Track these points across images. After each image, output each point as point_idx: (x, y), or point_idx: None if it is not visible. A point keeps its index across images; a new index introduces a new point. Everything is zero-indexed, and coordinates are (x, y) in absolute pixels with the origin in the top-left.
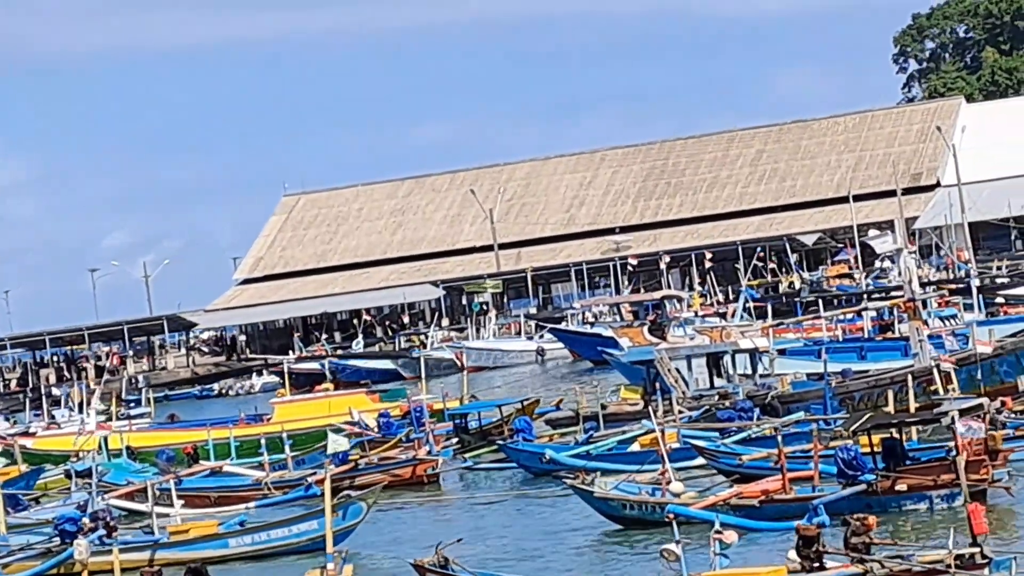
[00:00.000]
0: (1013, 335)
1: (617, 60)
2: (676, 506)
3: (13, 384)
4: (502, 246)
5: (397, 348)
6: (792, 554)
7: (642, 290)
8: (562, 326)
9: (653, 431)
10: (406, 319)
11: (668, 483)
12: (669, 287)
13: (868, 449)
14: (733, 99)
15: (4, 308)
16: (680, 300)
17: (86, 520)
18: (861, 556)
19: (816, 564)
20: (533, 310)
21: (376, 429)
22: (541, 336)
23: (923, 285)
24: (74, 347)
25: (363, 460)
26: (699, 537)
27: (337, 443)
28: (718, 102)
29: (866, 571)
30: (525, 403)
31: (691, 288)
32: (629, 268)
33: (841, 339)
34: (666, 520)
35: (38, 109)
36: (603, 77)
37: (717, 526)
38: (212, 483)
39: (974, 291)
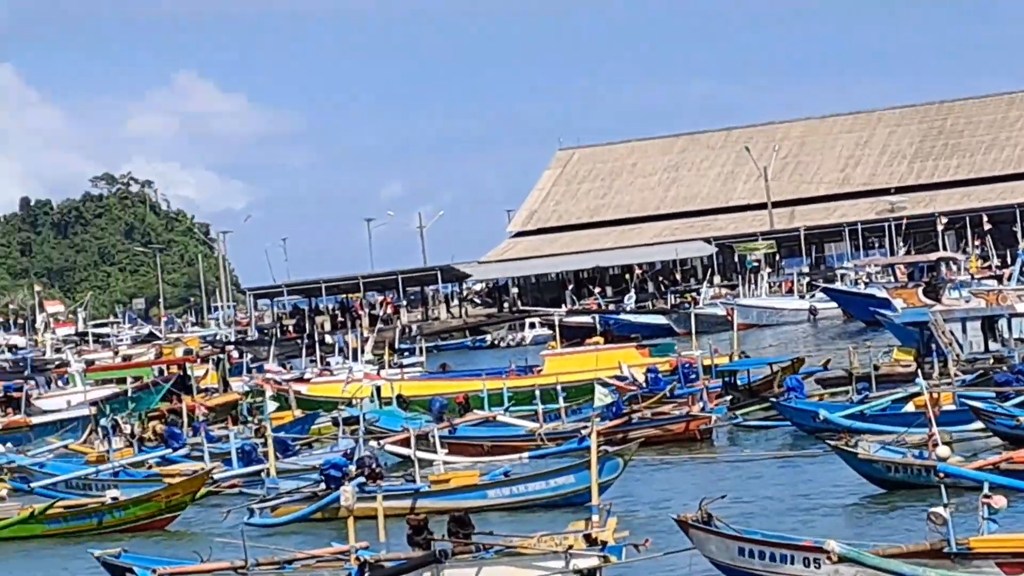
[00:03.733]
0: None
1: (894, 20)
2: (947, 466)
3: (290, 330)
4: (775, 204)
5: (669, 304)
6: None
7: (915, 252)
8: (835, 286)
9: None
10: (678, 275)
11: (935, 446)
12: (945, 249)
13: None
14: (1013, 61)
15: (281, 256)
16: (956, 263)
17: (351, 467)
18: None
19: None
20: (806, 269)
21: (644, 383)
22: (813, 295)
23: None
24: (349, 295)
25: (636, 414)
26: (965, 503)
27: (604, 396)
28: (997, 63)
29: None
30: (794, 361)
31: (967, 251)
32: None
33: None
34: (935, 480)
35: (315, 61)
36: (878, 36)
37: (987, 490)
38: (486, 432)
39: None
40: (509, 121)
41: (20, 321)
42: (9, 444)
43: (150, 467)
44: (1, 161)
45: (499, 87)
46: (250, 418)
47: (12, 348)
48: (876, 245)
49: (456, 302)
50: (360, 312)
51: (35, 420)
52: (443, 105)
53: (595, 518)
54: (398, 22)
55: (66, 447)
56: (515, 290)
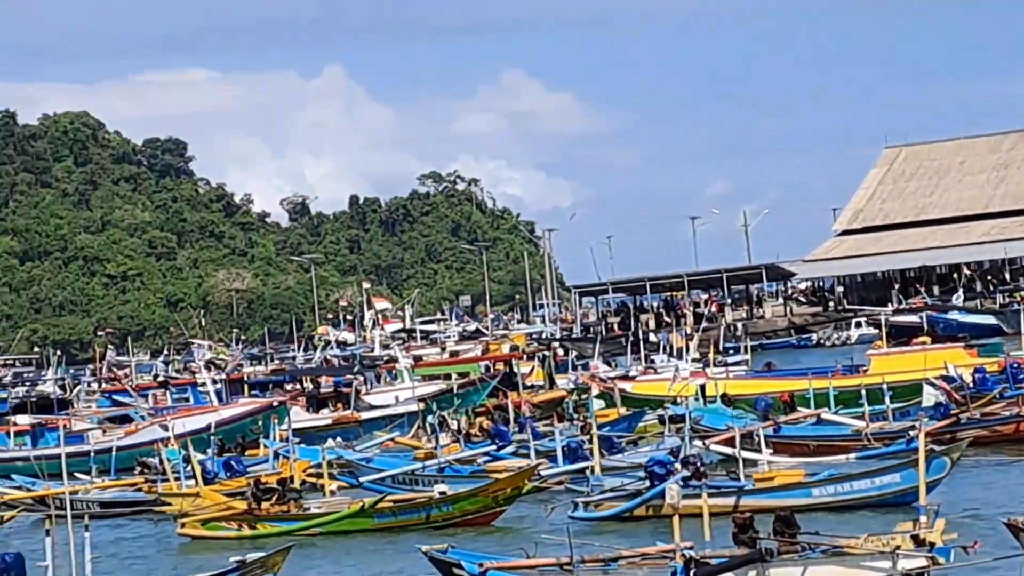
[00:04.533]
0: None
1: None
2: None
3: (615, 328)
4: None
5: (997, 304)
6: None
7: None
8: None
9: None
10: (1007, 274)
11: None
12: None
13: None
14: None
15: (606, 253)
16: None
17: (677, 464)
18: None
19: None
20: None
21: (971, 383)
22: None
23: None
24: (673, 293)
25: (964, 415)
26: None
27: (931, 396)
28: None
29: None
30: None
31: None
32: None
33: None
34: None
35: (642, 59)
36: None
37: None
38: (811, 432)
39: None
40: (835, 119)
41: (349, 318)
42: (338, 439)
43: (478, 463)
44: (332, 159)
45: (826, 85)
46: (576, 415)
47: (342, 344)
48: None
49: (781, 301)
50: (685, 310)
51: (364, 415)
52: (769, 103)
53: (923, 519)
54: (726, 20)
55: (393, 442)
56: (840, 289)
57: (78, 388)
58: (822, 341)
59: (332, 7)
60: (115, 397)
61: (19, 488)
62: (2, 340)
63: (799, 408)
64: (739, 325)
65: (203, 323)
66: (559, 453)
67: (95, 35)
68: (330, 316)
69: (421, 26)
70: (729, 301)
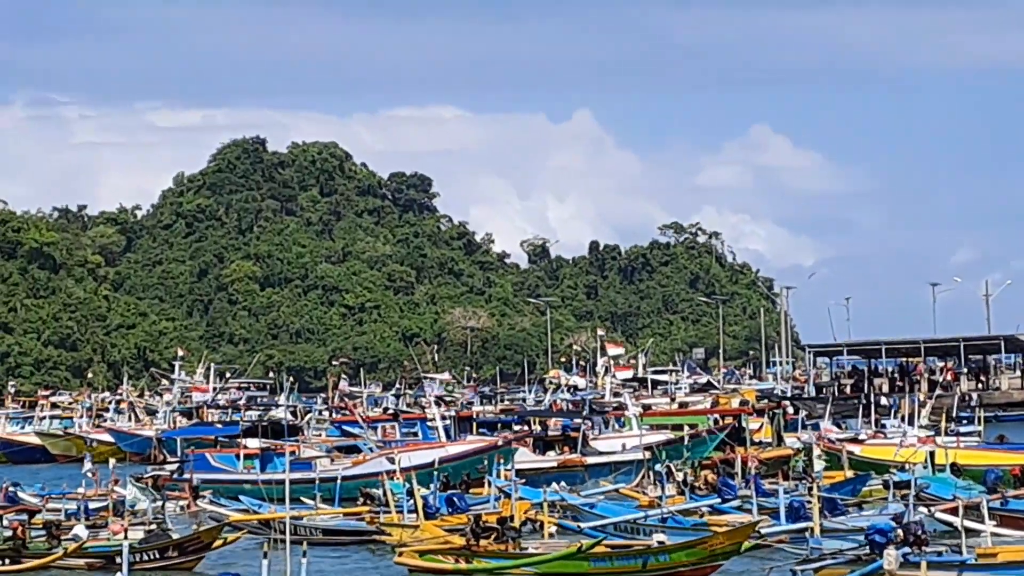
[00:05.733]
0: None
1: None
2: None
3: (847, 390)
4: None
5: None
6: None
7: None
8: None
9: None
10: None
11: None
12: None
13: None
14: None
15: (844, 314)
16: None
17: (898, 531)
18: None
19: None
20: None
21: None
22: None
23: None
24: (908, 359)
25: None
26: None
27: None
28: None
29: None
30: None
31: None
32: None
33: None
34: None
35: (887, 121)
36: None
37: None
38: None
39: None
40: None
41: (582, 363)
42: (563, 483)
43: (700, 515)
44: (575, 204)
45: None
46: (805, 475)
47: (572, 388)
48: None
49: (1018, 373)
50: (920, 376)
51: (590, 460)
52: (1019, 169)
53: None
54: (967, 88)
55: (617, 491)
56: None
57: (309, 416)
58: None
59: (584, 53)
60: (345, 427)
61: (245, 511)
62: (239, 363)
63: None
64: (974, 395)
65: (436, 359)
66: (782, 511)
67: (349, 67)
68: (563, 360)
69: (671, 77)
70: (965, 370)
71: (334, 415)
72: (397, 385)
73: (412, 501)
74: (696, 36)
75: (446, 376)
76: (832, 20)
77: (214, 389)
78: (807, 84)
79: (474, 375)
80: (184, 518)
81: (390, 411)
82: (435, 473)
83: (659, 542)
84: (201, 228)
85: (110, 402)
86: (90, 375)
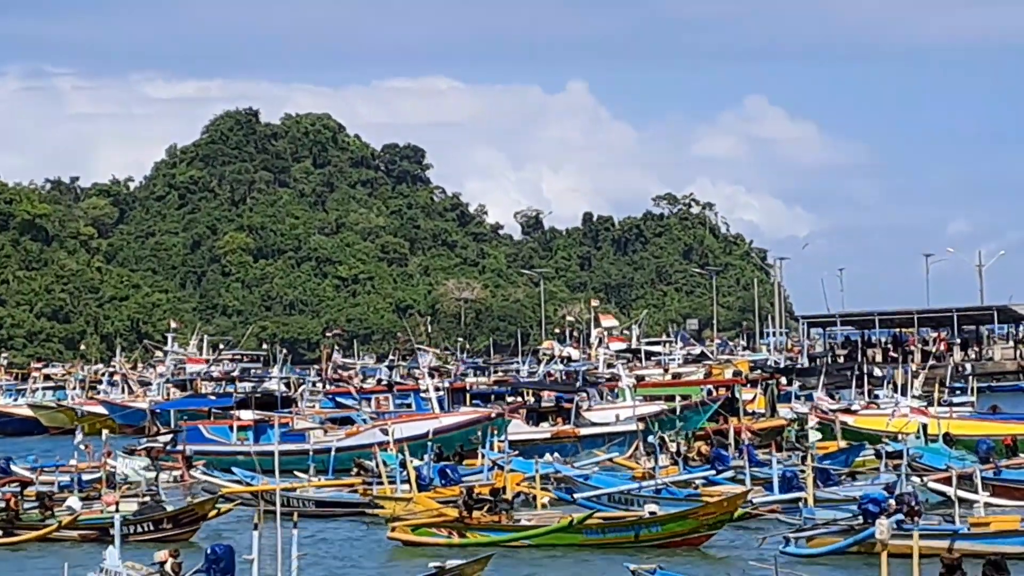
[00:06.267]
0: None
1: None
2: None
3: (840, 361)
4: None
5: None
6: None
7: None
8: None
9: None
10: None
11: None
12: None
13: None
14: None
15: (837, 285)
16: None
17: (891, 501)
18: None
19: None
20: None
21: None
22: None
23: None
24: (902, 329)
25: None
26: None
27: None
28: None
29: None
30: None
31: None
32: None
33: None
34: None
35: (882, 93)
36: None
37: None
38: None
39: None
40: None
41: (575, 334)
42: (556, 454)
43: (694, 487)
44: (569, 175)
45: None
46: (798, 445)
47: (566, 360)
48: None
49: (1011, 344)
50: (913, 347)
51: (583, 431)
52: (1015, 145)
53: None
54: (962, 63)
55: (611, 461)
56: None
57: (302, 387)
58: None
59: (579, 25)
60: (338, 399)
61: (238, 482)
62: (232, 335)
63: (1022, 453)
64: (967, 366)
65: (430, 330)
66: (775, 481)
67: (342, 39)
68: (556, 331)
69: (666, 48)
70: (958, 341)
71: (328, 387)
72: (391, 357)
73: (405, 472)
74: (692, 8)
75: (434, 352)
76: None
77: (207, 361)
78: (803, 57)
79: (467, 346)
80: (178, 490)
81: (384, 382)
82: (428, 444)
83: (651, 513)
84: (194, 200)
85: (103, 374)
86: (83, 347)
